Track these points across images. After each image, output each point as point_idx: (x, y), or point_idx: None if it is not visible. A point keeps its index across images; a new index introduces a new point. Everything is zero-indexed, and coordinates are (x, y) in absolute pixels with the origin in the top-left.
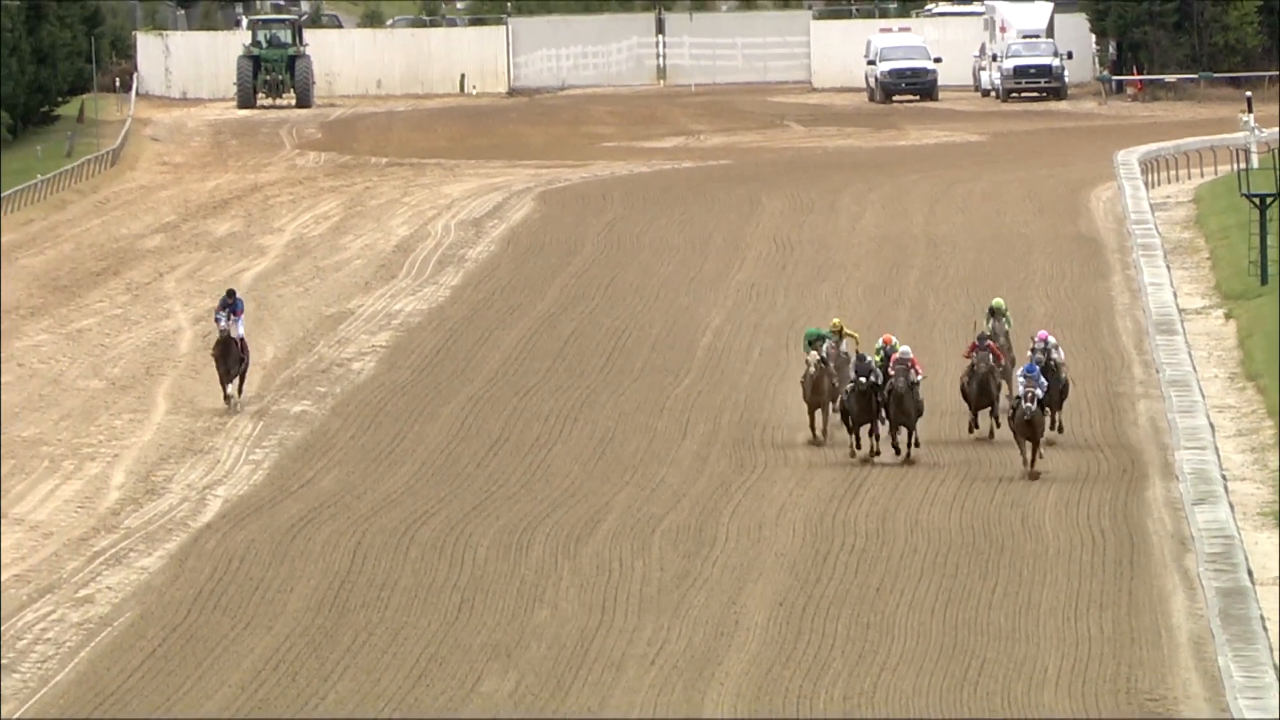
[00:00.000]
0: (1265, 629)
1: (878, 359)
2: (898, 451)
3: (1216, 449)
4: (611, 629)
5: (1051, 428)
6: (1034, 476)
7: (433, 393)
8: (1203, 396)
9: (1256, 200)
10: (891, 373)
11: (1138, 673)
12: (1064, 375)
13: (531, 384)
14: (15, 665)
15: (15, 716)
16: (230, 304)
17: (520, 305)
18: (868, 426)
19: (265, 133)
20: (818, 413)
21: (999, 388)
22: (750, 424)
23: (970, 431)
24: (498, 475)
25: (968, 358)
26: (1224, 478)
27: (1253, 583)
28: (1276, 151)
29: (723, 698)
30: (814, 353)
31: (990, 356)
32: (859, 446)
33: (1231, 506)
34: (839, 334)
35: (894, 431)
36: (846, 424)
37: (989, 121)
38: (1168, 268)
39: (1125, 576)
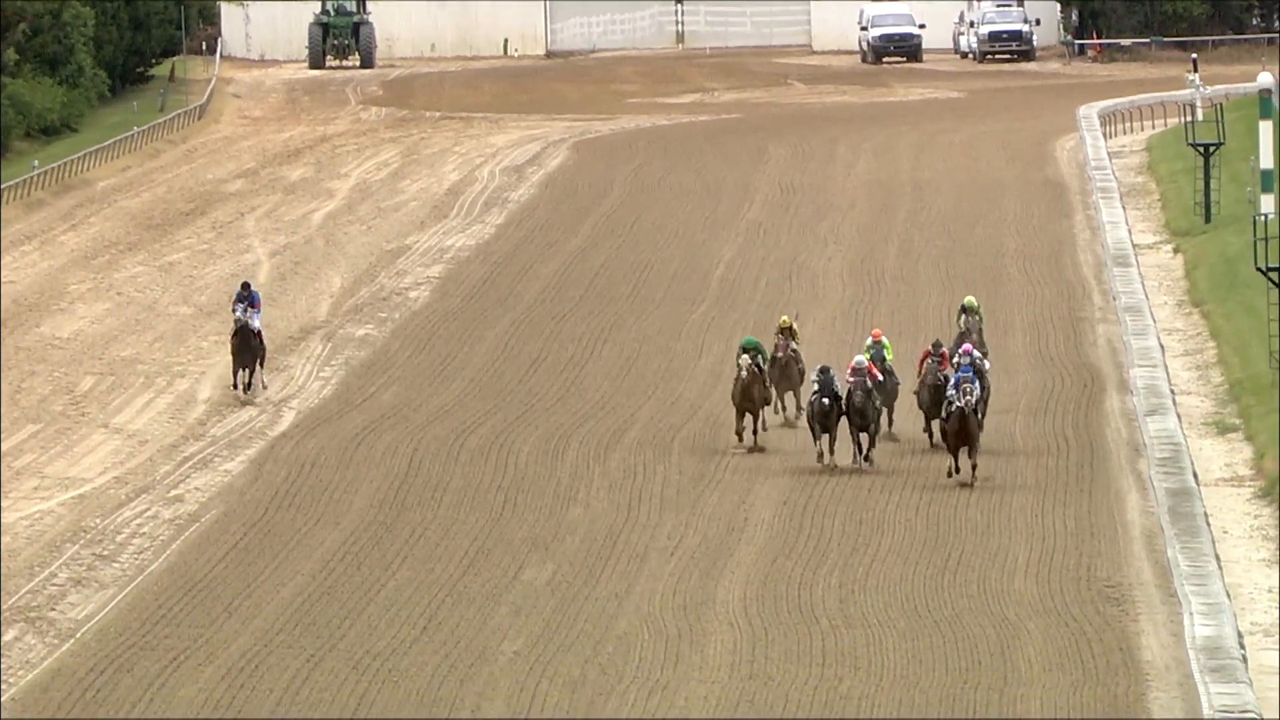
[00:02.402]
0: (1208, 524)
1: (867, 355)
2: (856, 455)
3: (1166, 367)
4: (636, 524)
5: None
6: (967, 484)
7: (479, 318)
8: (1154, 321)
9: (1201, 149)
10: (848, 382)
11: (1097, 562)
12: (987, 383)
13: (566, 310)
14: (115, 556)
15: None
16: (246, 296)
17: (556, 241)
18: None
19: (333, 90)
20: (747, 417)
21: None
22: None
23: (931, 442)
24: (536, 390)
25: (921, 364)
26: (1172, 392)
27: (1198, 484)
28: (1218, 106)
29: (733, 584)
30: (745, 357)
31: (938, 366)
32: (830, 453)
33: (1179, 417)
34: (788, 332)
35: (855, 436)
36: (814, 432)
37: (967, 80)
38: (1123, 208)
39: (1086, 479)
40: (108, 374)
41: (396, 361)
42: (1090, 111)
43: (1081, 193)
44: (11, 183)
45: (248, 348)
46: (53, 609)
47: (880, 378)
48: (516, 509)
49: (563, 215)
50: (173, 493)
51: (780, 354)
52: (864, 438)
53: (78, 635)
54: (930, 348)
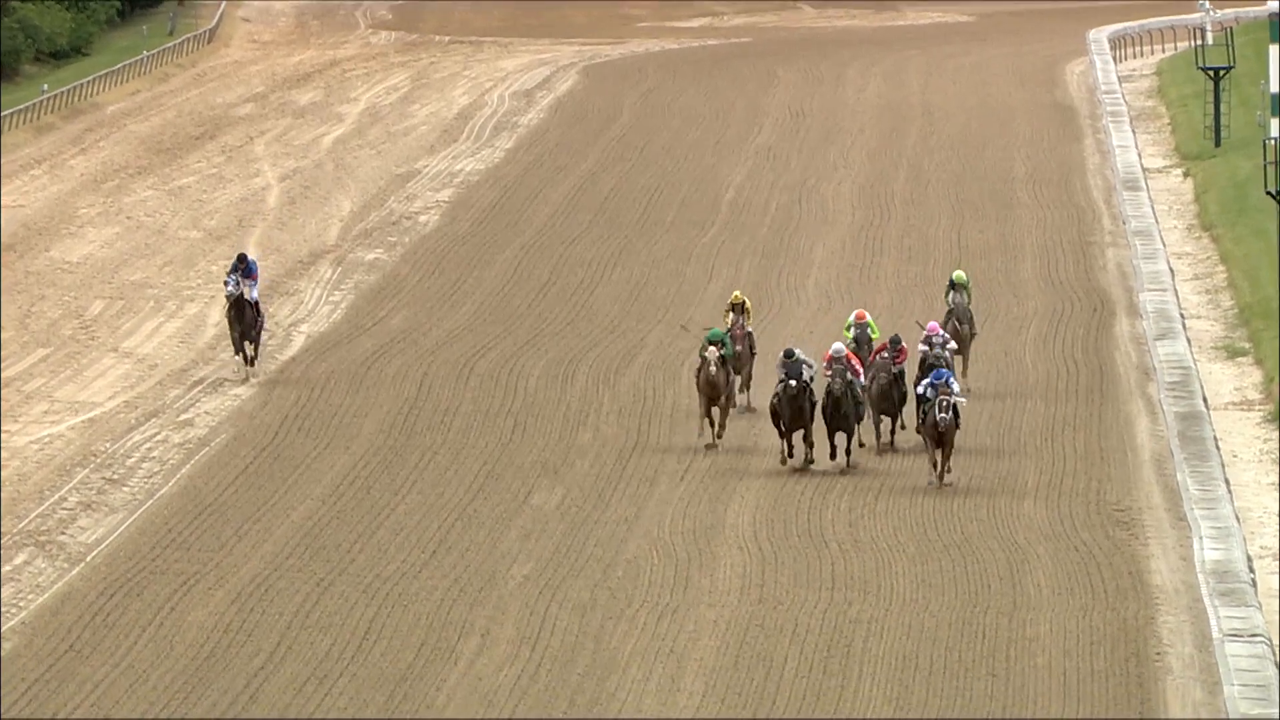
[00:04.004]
0: (1218, 448)
1: (848, 335)
2: (834, 456)
3: (1175, 291)
4: (646, 449)
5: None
6: (943, 485)
7: (489, 242)
8: (1163, 245)
9: (1211, 73)
10: (828, 373)
11: (1106, 487)
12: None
13: (575, 235)
14: (125, 480)
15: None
16: (243, 267)
17: (566, 166)
18: (800, 431)
19: (342, 14)
20: (714, 410)
21: (903, 397)
22: (768, 269)
23: (877, 440)
24: (546, 314)
25: (872, 361)
26: (1182, 316)
27: (1207, 408)
28: (1228, 30)
29: (743, 508)
30: (713, 349)
31: (892, 361)
32: (790, 454)
33: (1189, 341)
34: (740, 308)
35: (831, 435)
36: (777, 428)
37: (977, 4)
38: (1133, 132)
39: (1095, 403)
40: (117, 298)
41: (406, 286)
42: (1100, 35)
43: (1091, 117)
44: (21, 107)
45: (243, 320)
46: (63, 533)
47: (860, 372)
48: (526, 433)
49: (572, 139)
50: (182, 417)
51: (738, 345)
52: (841, 437)
53: (88, 559)
54: (888, 342)
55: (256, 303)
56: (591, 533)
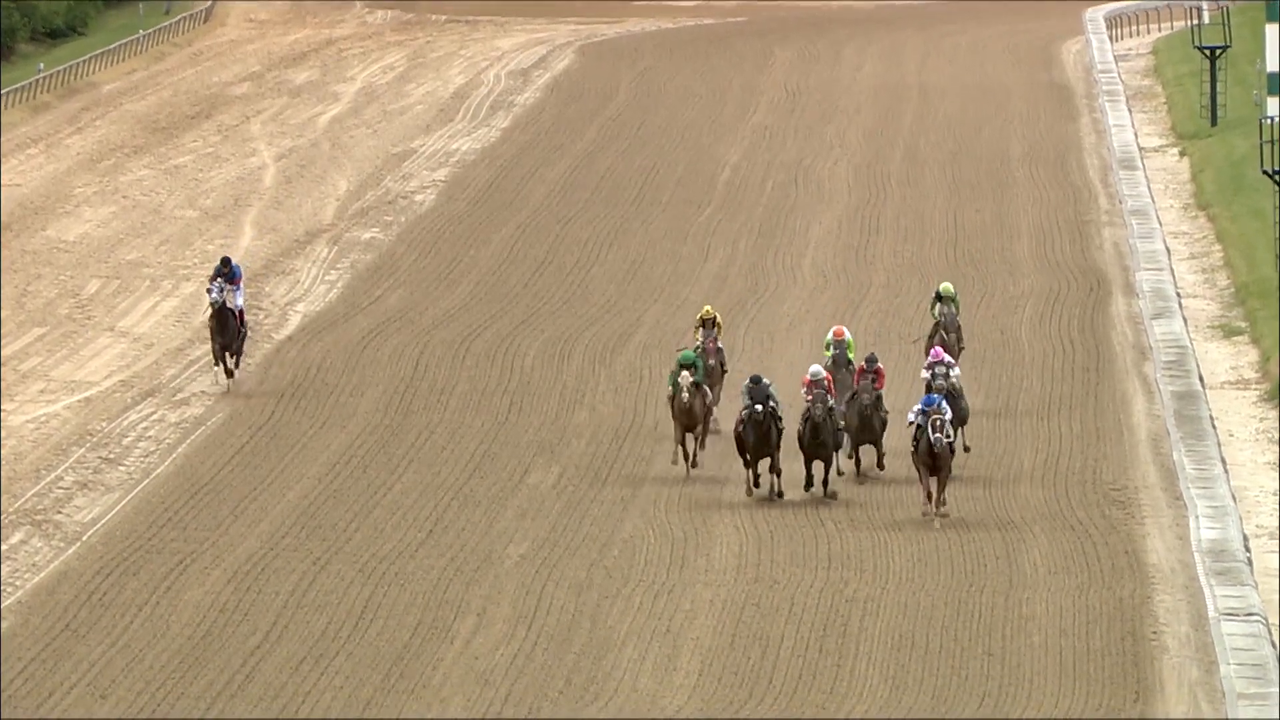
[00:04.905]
0: (1214, 427)
1: (828, 355)
2: (809, 487)
3: (1172, 270)
4: (642, 429)
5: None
6: (939, 515)
7: (485, 221)
8: (1160, 224)
9: (1208, 52)
10: (807, 398)
11: (1102, 466)
12: (963, 404)
13: (572, 214)
14: (121, 459)
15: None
16: (226, 272)
17: (562, 145)
18: (767, 460)
19: None
20: (689, 437)
21: (883, 424)
22: (764, 248)
23: (857, 468)
24: (542, 294)
25: (857, 384)
26: (1178, 295)
27: (1203, 387)
28: (1225, 9)
29: (739, 488)
30: (686, 374)
31: (872, 384)
32: (756, 484)
33: (1185, 320)
34: (711, 323)
35: (809, 464)
36: (742, 456)
37: None
38: (1129, 111)
39: (1091, 382)
40: (113, 277)
41: (402, 265)
42: (1097, 14)
43: (1088, 96)
44: (17, 86)
45: (226, 328)
46: (59, 512)
47: (836, 396)
48: (522, 412)
49: (568, 119)
50: (179, 396)
51: (709, 359)
52: (819, 466)
53: (84, 538)
54: (864, 363)
55: (241, 311)
56: (588, 512)
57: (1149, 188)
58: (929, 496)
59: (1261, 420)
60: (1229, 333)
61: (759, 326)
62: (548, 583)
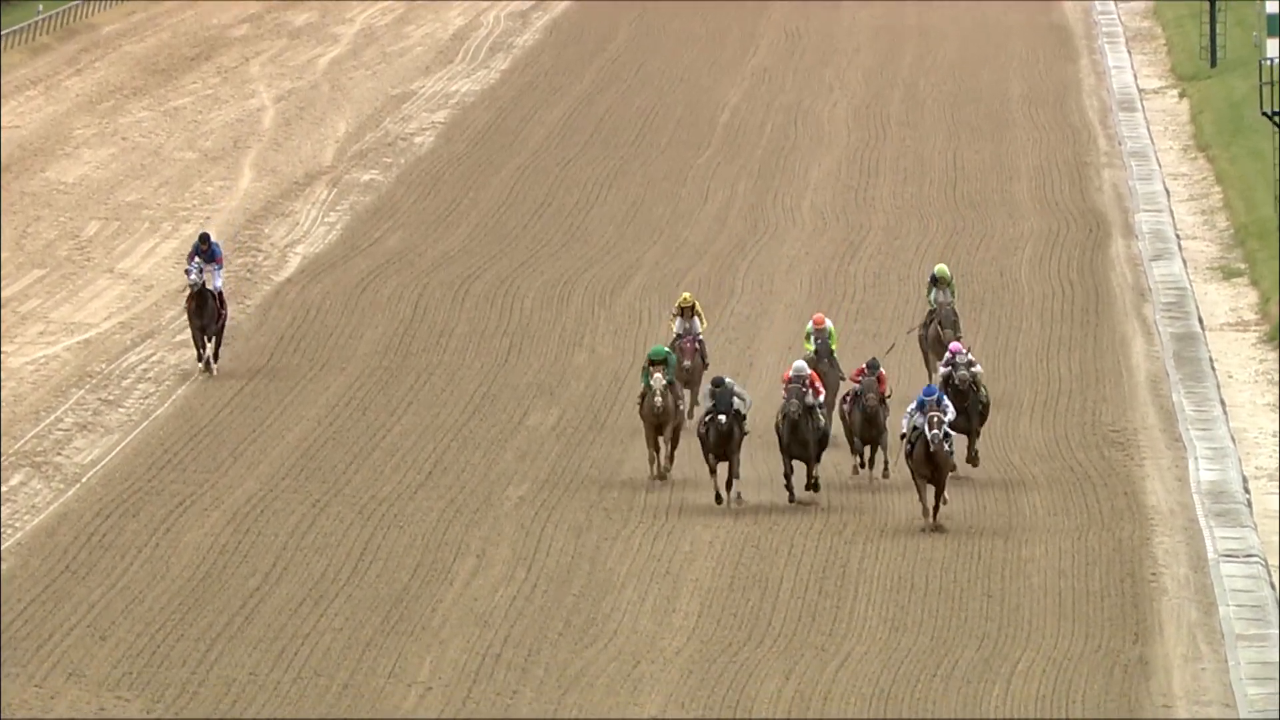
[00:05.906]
0: (1213, 369)
1: (809, 347)
2: (790, 490)
3: (1171, 211)
4: (641, 370)
5: (967, 460)
6: (936, 527)
7: (485, 163)
8: (1159, 166)
9: None
10: (783, 395)
11: (1102, 407)
12: (984, 394)
13: (571, 156)
14: (120, 401)
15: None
16: (205, 250)
17: (561, 87)
18: (726, 465)
19: None
20: (661, 441)
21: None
22: (763, 190)
23: (855, 472)
24: (542, 235)
25: (855, 381)
26: (1177, 236)
27: (1202, 328)
28: None
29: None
30: (658, 375)
31: (875, 385)
32: (719, 500)
33: (1184, 262)
34: (690, 312)
35: (788, 465)
36: (706, 460)
37: None
38: (1129, 52)
39: (1091, 323)
40: (113, 219)
41: (402, 207)
42: None
43: (1087, 37)
44: (16, 27)
45: (205, 310)
46: (58, 454)
47: (822, 394)
48: (522, 354)
49: (568, 60)
50: (178, 338)
51: (686, 359)
52: (801, 468)
53: (83, 480)
54: (865, 366)
55: (220, 293)
56: (587, 454)
57: (1148, 129)
58: (926, 510)
59: (1261, 362)
60: (1228, 274)
61: (758, 268)
62: (547, 524)
